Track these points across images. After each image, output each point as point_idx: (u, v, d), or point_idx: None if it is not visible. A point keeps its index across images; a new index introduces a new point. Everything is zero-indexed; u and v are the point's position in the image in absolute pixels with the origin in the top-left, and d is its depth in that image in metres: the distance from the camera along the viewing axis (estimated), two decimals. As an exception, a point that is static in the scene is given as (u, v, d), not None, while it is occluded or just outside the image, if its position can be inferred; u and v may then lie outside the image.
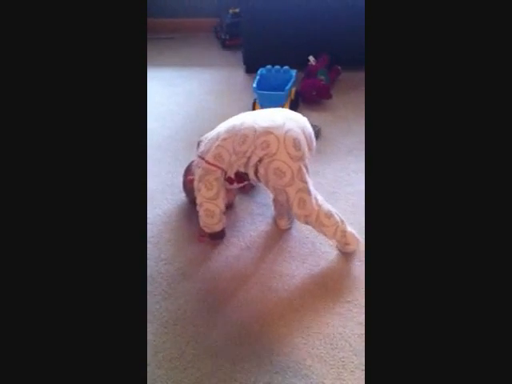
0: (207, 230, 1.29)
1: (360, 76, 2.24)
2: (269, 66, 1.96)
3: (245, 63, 2.32)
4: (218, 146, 1.21)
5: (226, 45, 2.60)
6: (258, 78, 1.90)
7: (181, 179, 1.49)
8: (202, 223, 1.28)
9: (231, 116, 1.91)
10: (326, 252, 1.27)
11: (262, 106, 1.83)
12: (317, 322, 1.10)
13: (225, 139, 1.20)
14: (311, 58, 2.08)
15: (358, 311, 1.11)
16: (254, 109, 1.87)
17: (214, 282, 1.21)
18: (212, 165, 1.22)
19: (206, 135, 1.30)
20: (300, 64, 2.06)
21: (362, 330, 1.07)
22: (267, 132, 1.15)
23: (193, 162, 1.37)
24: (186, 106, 2.06)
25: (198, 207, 1.27)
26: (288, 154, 1.15)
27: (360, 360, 1.01)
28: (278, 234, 1.35)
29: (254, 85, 1.84)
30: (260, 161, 1.16)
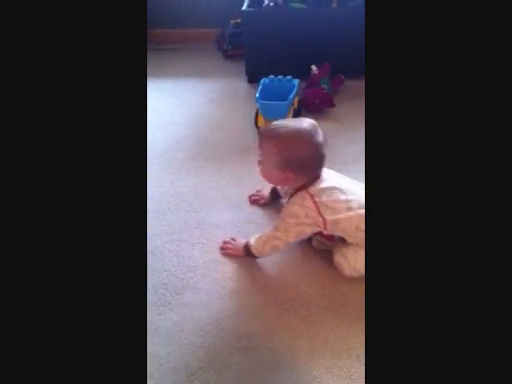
0: (256, 254, 1.26)
1: (363, 85, 2.24)
2: (271, 76, 1.96)
3: (247, 73, 2.33)
4: (346, 216, 1.14)
5: (228, 55, 2.61)
6: (260, 87, 1.90)
7: (183, 190, 1.49)
8: (257, 249, 1.24)
9: (234, 126, 1.93)
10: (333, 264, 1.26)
11: (265, 116, 1.84)
12: (323, 332, 1.08)
13: (358, 214, 1.13)
14: (313, 67, 2.09)
15: (364, 320, 1.10)
16: (256, 119, 1.87)
17: (218, 292, 1.20)
18: (325, 226, 1.17)
19: (327, 178, 1.20)
20: (302, 73, 2.06)
21: (369, 340, 1.05)
22: None
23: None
24: (188, 117, 2.07)
25: (268, 237, 1.22)
26: None
27: (368, 371, 0.99)
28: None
29: (257, 95, 1.84)
30: None
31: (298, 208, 1.16)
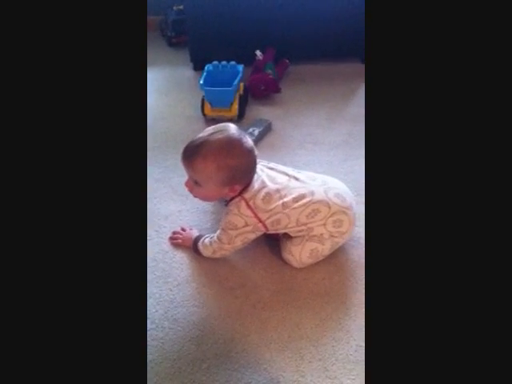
0: (206, 257, 1.24)
1: (307, 68, 2.27)
2: (215, 62, 1.94)
3: (192, 60, 2.29)
4: (283, 214, 1.12)
5: (173, 42, 2.56)
6: (204, 74, 1.87)
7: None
8: (207, 255, 1.23)
9: (180, 115, 1.90)
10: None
11: (211, 103, 1.82)
12: (274, 315, 1.09)
13: (294, 209, 1.12)
14: (258, 53, 2.08)
15: (313, 301, 1.12)
16: (203, 106, 1.85)
17: (168, 283, 1.18)
18: (266, 228, 1.15)
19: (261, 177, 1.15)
20: (247, 59, 2.04)
21: (318, 320, 1.08)
22: (342, 212, 1.15)
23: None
24: (133, 107, 2.01)
25: (215, 249, 1.20)
26: (351, 235, 1.23)
27: (317, 350, 1.01)
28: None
29: (201, 81, 1.81)
30: (327, 234, 1.16)
31: (236, 218, 1.12)
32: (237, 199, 1.13)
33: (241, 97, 1.87)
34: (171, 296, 1.15)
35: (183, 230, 1.32)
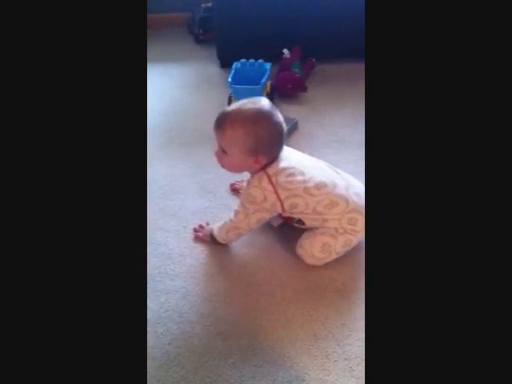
0: (223, 242, 1.27)
1: (334, 68, 2.26)
2: (243, 60, 1.95)
3: (219, 58, 2.31)
4: (302, 199, 1.14)
5: (200, 40, 2.57)
6: (232, 72, 1.89)
7: (156, 177, 1.48)
8: (223, 239, 1.26)
9: (206, 112, 1.91)
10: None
11: (238, 100, 1.82)
12: (299, 313, 1.10)
13: (313, 196, 1.14)
14: (285, 51, 2.08)
15: (340, 300, 1.13)
16: (229, 103, 1.86)
17: (196, 278, 1.20)
18: (283, 209, 1.17)
19: (287, 163, 1.16)
20: (274, 57, 2.05)
21: (344, 320, 1.08)
22: (358, 211, 1.16)
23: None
24: (160, 103, 2.04)
25: (229, 228, 1.23)
26: (363, 235, 1.20)
27: (343, 349, 1.02)
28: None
29: (229, 79, 1.82)
30: (341, 229, 1.17)
31: (257, 190, 1.13)
32: (260, 173, 1.14)
33: (267, 95, 1.87)
34: (198, 291, 1.17)
35: (201, 226, 1.34)
